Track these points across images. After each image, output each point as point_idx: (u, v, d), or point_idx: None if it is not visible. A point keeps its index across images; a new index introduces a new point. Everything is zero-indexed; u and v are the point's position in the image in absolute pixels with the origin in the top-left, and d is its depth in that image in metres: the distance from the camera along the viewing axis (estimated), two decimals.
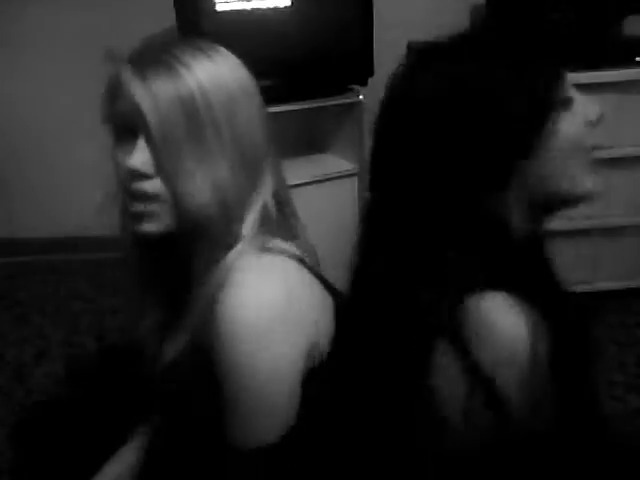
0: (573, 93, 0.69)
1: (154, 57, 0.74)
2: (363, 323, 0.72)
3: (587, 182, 0.69)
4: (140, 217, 0.73)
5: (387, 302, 0.69)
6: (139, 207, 0.73)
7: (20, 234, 2.57)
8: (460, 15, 2.23)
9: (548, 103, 0.66)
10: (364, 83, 1.95)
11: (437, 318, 0.63)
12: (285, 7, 1.83)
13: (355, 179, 2.01)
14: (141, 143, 0.72)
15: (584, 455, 0.67)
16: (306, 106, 1.88)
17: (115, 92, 0.77)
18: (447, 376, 0.62)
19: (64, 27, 2.31)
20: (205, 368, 0.70)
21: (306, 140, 2.19)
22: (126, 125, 0.74)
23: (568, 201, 0.70)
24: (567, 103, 0.67)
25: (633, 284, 2.04)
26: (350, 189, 1.99)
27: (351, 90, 1.98)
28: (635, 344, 1.86)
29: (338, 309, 0.77)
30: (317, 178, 1.94)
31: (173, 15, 1.84)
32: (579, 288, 2.02)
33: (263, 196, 0.76)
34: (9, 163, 2.49)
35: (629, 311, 2.02)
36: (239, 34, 1.79)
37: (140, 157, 0.71)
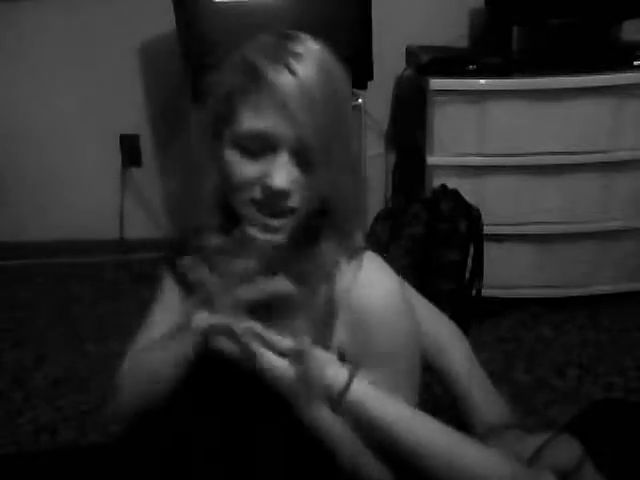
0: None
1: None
2: None
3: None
4: (272, 230, 0.74)
5: None
6: (273, 222, 0.74)
7: (20, 237, 2.57)
8: (459, 19, 2.24)
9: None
10: (363, 86, 1.95)
11: None
12: (283, 0, 1.83)
13: None
14: (282, 160, 0.71)
15: None
16: None
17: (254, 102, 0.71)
18: None
19: (63, 30, 2.31)
20: None
21: None
22: (264, 140, 0.72)
23: None
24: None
25: (632, 287, 2.04)
26: None
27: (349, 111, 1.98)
28: (634, 347, 1.86)
29: None
30: None
31: (172, 16, 1.85)
32: (578, 291, 2.03)
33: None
34: (9, 166, 2.49)
35: (628, 314, 2.02)
36: (236, 26, 1.79)
37: (285, 176, 0.71)
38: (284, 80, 0.68)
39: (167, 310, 0.88)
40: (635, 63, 1.81)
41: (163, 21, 1.99)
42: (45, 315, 2.19)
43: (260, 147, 0.71)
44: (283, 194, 0.72)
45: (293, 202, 0.73)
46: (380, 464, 0.72)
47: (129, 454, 0.99)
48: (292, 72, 0.69)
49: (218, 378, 0.78)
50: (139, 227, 2.50)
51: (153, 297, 0.92)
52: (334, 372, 0.73)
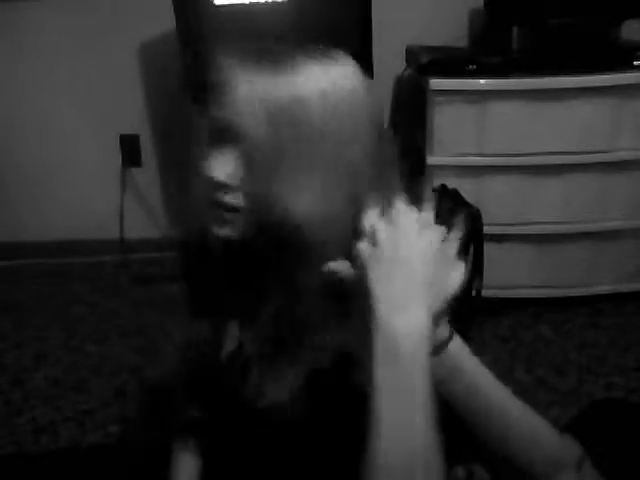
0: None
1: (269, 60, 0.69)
2: None
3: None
4: (224, 222, 0.72)
5: None
6: (228, 216, 0.71)
7: (19, 237, 2.57)
8: (459, 19, 2.24)
9: None
10: None
11: None
12: (283, 2, 1.84)
13: None
14: (233, 153, 0.69)
15: None
16: None
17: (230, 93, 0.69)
18: None
19: (64, 31, 2.32)
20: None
21: None
22: (221, 130, 0.70)
23: None
24: None
25: (632, 287, 2.04)
26: None
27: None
28: (634, 347, 1.86)
29: None
30: None
31: (172, 15, 1.85)
32: (578, 291, 2.03)
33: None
34: (9, 166, 2.49)
35: (628, 314, 2.02)
36: (237, 29, 1.79)
37: (225, 169, 0.69)
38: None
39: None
40: (635, 63, 1.81)
41: (163, 21, 1.99)
42: (45, 315, 2.19)
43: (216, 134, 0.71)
44: (222, 186, 0.70)
45: (234, 200, 0.70)
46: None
47: (129, 454, 0.99)
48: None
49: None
50: (139, 227, 2.50)
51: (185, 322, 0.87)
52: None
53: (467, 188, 1.84)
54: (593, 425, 0.95)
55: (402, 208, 0.63)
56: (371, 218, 0.63)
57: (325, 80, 0.70)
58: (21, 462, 1.49)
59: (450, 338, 0.62)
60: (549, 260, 2.00)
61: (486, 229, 1.81)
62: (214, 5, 1.83)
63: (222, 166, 0.69)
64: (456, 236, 0.63)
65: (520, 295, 2.05)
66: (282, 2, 1.84)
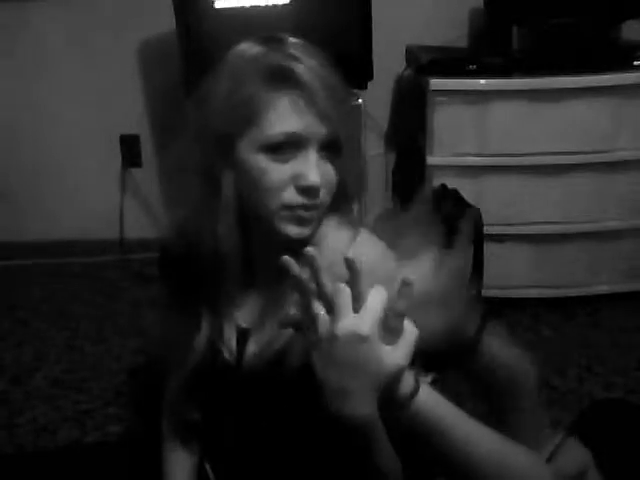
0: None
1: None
2: None
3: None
4: (304, 223, 0.75)
5: None
6: (306, 214, 0.74)
7: (20, 237, 2.57)
8: (459, 19, 2.24)
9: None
10: (363, 87, 1.95)
11: None
12: (284, 5, 1.84)
13: None
14: (313, 156, 0.72)
15: None
16: None
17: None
18: None
19: (63, 30, 2.32)
20: None
21: None
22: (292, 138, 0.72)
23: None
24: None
25: (632, 287, 2.04)
26: None
27: (350, 94, 1.99)
28: (634, 347, 1.86)
29: None
30: None
31: (172, 15, 1.85)
32: (578, 291, 2.03)
33: None
34: (9, 166, 2.49)
35: (627, 314, 2.02)
36: (237, 32, 1.79)
37: (318, 172, 0.72)
38: (309, 77, 0.70)
39: (186, 317, 0.86)
40: (635, 63, 1.81)
41: (163, 21, 1.99)
42: (45, 315, 2.19)
43: (288, 148, 0.72)
44: (318, 190, 0.73)
45: (322, 195, 0.74)
46: (397, 460, 0.69)
47: (129, 454, 0.99)
48: (311, 69, 0.71)
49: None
50: (139, 227, 2.50)
51: (163, 315, 0.90)
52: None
53: (467, 188, 1.84)
54: (594, 426, 0.95)
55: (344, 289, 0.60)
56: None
57: (321, 56, 0.75)
58: (21, 462, 1.49)
59: (415, 391, 0.61)
60: (549, 260, 2.00)
61: (486, 229, 1.81)
62: (214, 8, 1.83)
63: (313, 171, 0.72)
64: (403, 303, 0.60)
65: (520, 295, 2.05)
66: (283, 5, 1.84)
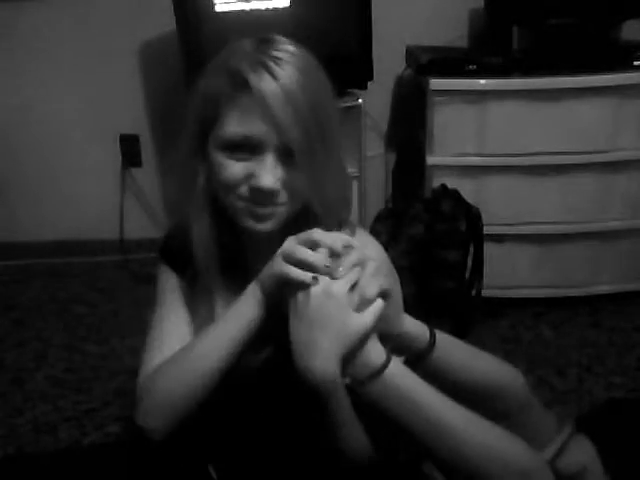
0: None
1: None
2: None
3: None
4: (264, 218, 0.77)
5: None
6: (264, 210, 0.76)
7: (20, 237, 2.57)
8: (459, 19, 2.24)
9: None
10: (363, 87, 1.95)
11: None
12: (284, 8, 1.83)
13: (355, 182, 2.02)
14: (268, 160, 0.74)
15: None
16: None
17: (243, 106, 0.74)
18: None
19: (63, 30, 2.31)
20: None
21: None
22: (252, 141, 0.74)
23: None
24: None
25: (632, 287, 2.04)
26: None
27: (350, 94, 1.99)
28: (635, 347, 1.86)
29: None
30: None
31: (172, 15, 1.85)
32: (578, 291, 2.03)
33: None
34: (9, 166, 2.49)
35: (628, 314, 2.02)
36: (238, 35, 1.79)
37: (271, 176, 0.74)
38: (267, 86, 0.71)
39: (179, 309, 0.88)
40: (635, 63, 1.81)
41: (163, 21, 1.99)
42: (45, 315, 2.19)
43: (246, 149, 0.74)
44: (271, 193, 0.75)
45: (282, 198, 0.76)
46: (365, 438, 0.73)
47: (129, 454, 0.99)
48: (274, 77, 0.71)
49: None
50: (139, 227, 2.50)
51: (158, 301, 0.91)
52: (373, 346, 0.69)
53: (467, 188, 1.85)
54: (598, 425, 0.95)
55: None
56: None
57: (309, 68, 0.77)
58: (21, 462, 1.49)
59: (386, 364, 0.66)
60: (549, 260, 2.00)
61: (486, 229, 1.82)
62: (215, 11, 1.83)
63: (266, 174, 0.73)
64: (370, 272, 0.68)
65: (520, 295, 2.05)
66: (283, 8, 1.84)
